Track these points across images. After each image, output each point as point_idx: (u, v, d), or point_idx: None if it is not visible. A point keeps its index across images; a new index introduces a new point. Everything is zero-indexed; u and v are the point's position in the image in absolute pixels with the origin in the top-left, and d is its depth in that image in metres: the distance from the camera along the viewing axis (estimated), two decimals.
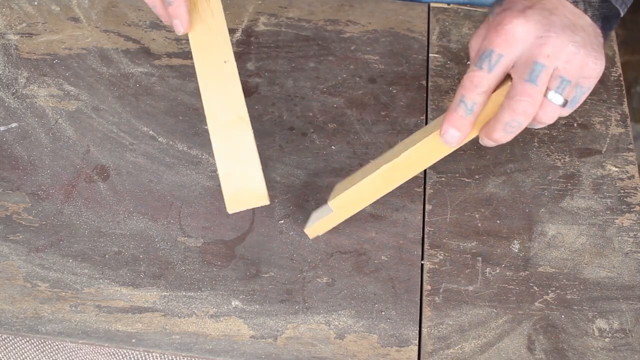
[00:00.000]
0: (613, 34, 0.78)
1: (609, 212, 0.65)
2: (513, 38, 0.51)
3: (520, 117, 0.51)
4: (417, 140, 0.56)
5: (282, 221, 0.64)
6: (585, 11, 0.52)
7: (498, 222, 0.65)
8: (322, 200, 0.65)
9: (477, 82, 0.52)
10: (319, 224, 0.62)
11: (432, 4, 0.81)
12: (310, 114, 0.71)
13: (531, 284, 0.61)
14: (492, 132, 0.53)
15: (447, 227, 0.64)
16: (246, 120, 0.61)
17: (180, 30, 0.59)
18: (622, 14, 0.56)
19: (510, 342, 0.58)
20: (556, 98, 0.51)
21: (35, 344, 0.61)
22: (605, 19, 0.54)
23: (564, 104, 0.52)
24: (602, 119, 0.72)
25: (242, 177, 0.62)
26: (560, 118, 0.71)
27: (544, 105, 0.52)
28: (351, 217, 0.63)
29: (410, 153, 0.56)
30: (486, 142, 0.55)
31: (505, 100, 0.52)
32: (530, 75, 0.50)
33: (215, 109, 0.61)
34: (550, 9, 0.52)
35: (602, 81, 0.74)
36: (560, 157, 0.69)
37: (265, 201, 0.63)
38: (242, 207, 0.64)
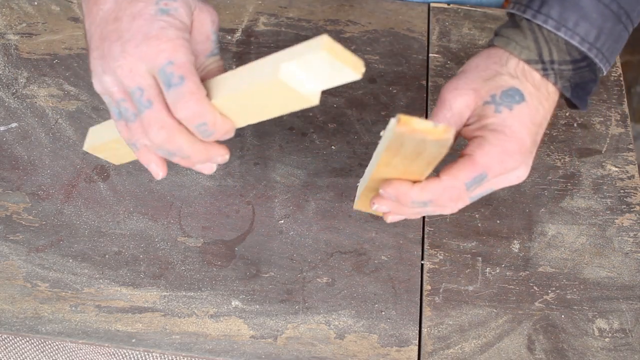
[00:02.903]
0: None
1: (609, 212, 0.65)
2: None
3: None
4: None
5: (282, 221, 0.64)
6: (555, 83, 0.51)
7: (498, 222, 0.65)
8: (322, 200, 0.65)
9: (456, 198, 0.49)
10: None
11: (432, 4, 0.81)
12: (310, 114, 0.71)
13: (531, 284, 0.61)
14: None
15: (447, 227, 0.64)
16: None
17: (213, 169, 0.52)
18: (604, 73, 0.53)
19: (510, 342, 0.58)
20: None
21: (35, 344, 0.61)
22: (577, 86, 0.51)
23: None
24: (602, 119, 0.72)
25: None
26: (560, 118, 0.71)
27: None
28: (351, 217, 0.63)
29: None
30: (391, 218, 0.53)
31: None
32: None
33: None
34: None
35: (602, 81, 0.74)
36: (560, 157, 0.69)
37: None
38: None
